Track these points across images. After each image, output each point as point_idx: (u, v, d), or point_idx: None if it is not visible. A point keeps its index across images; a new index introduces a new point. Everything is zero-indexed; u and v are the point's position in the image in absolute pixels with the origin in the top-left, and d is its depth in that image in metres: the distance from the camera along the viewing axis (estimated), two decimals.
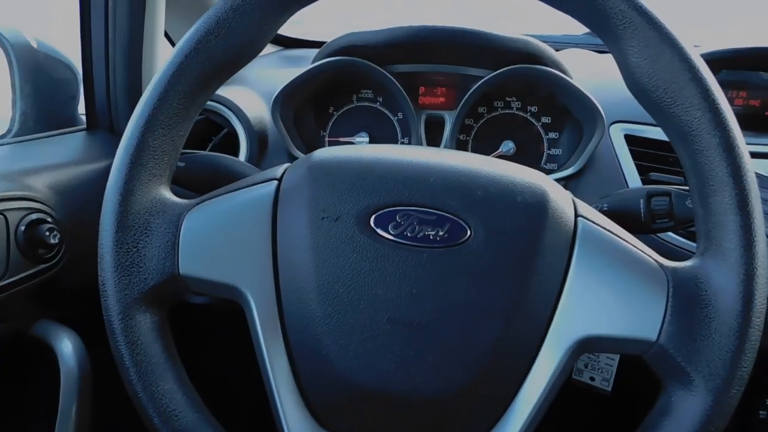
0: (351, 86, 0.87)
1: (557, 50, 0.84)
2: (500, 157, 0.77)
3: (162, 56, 0.83)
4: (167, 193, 0.44)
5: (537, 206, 0.40)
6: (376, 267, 0.39)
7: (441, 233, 0.39)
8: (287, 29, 1.52)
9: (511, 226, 0.40)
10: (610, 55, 0.42)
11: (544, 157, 0.86)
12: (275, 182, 0.44)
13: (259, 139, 0.82)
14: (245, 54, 0.44)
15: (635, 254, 0.40)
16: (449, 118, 0.85)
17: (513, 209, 0.40)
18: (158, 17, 0.80)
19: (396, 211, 0.40)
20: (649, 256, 0.40)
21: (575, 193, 0.46)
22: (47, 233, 0.58)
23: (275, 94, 0.79)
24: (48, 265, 0.61)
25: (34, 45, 0.74)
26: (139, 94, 0.50)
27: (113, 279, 0.41)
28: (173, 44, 0.93)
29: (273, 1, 0.43)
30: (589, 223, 0.41)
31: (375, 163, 0.43)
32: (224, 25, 0.42)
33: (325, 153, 0.45)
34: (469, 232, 0.40)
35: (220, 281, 0.42)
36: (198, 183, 0.61)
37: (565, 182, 0.80)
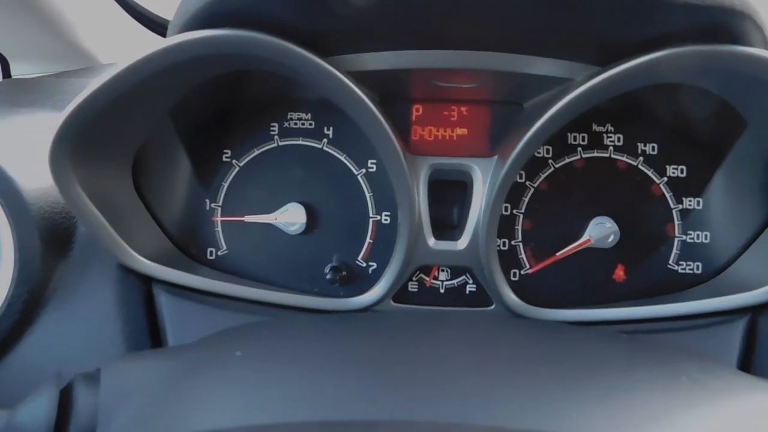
0: (267, 103, 0.52)
1: None
2: (587, 251, 0.48)
3: None
4: None
5: None
6: None
7: None
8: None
9: None
10: None
11: (674, 251, 0.52)
12: None
13: (48, 232, 0.46)
14: None
15: None
16: (480, 172, 0.50)
17: None
18: None
19: None
20: None
21: None
22: None
23: (58, 126, 0.41)
24: None
25: None
26: None
27: None
28: None
29: None
30: None
31: None
32: None
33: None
34: None
35: None
36: None
37: (749, 323, 0.45)
